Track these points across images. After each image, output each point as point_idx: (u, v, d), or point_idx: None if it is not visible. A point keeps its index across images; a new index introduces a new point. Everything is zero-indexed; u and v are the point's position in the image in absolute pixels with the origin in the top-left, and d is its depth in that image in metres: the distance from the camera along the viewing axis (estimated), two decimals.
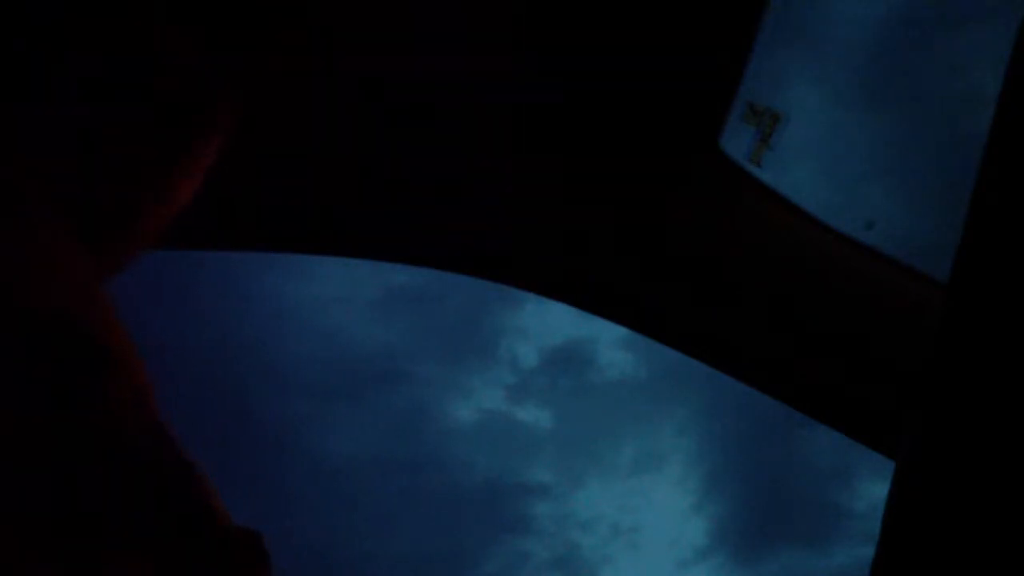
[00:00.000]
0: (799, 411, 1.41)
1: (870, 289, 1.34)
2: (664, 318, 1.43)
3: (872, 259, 1.34)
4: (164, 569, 0.44)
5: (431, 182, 1.34)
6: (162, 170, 0.72)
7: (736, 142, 1.28)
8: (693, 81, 1.22)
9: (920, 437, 0.65)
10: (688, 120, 1.26)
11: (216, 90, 0.74)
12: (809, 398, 1.41)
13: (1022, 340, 0.61)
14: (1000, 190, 0.64)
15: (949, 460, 0.63)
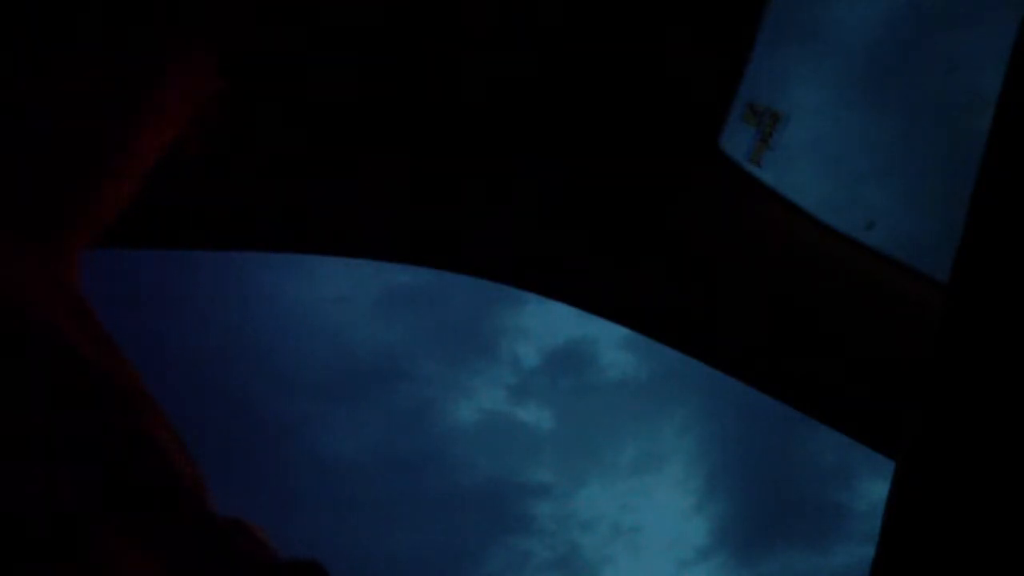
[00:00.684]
0: (799, 411, 1.41)
1: (870, 289, 1.34)
2: (664, 318, 1.43)
3: (872, 259, 1.34)
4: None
5: (431, 182, 1.34)
6: (126, 127, 0.61)
7: (736, 142, 1.28)
8: (693, 81, 1.22)
9: (920, 437, 0.65)
10: (688, 120, 1.26)
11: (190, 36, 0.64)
12: (809, 398, 1.41)
13: (1022, 340, 0.61)
14: (1000, 190, 0.64)
15: (949, 460, 0.63)
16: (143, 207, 0.67)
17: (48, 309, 0.49)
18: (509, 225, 1.38)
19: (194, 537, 0.46)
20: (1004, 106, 0.64)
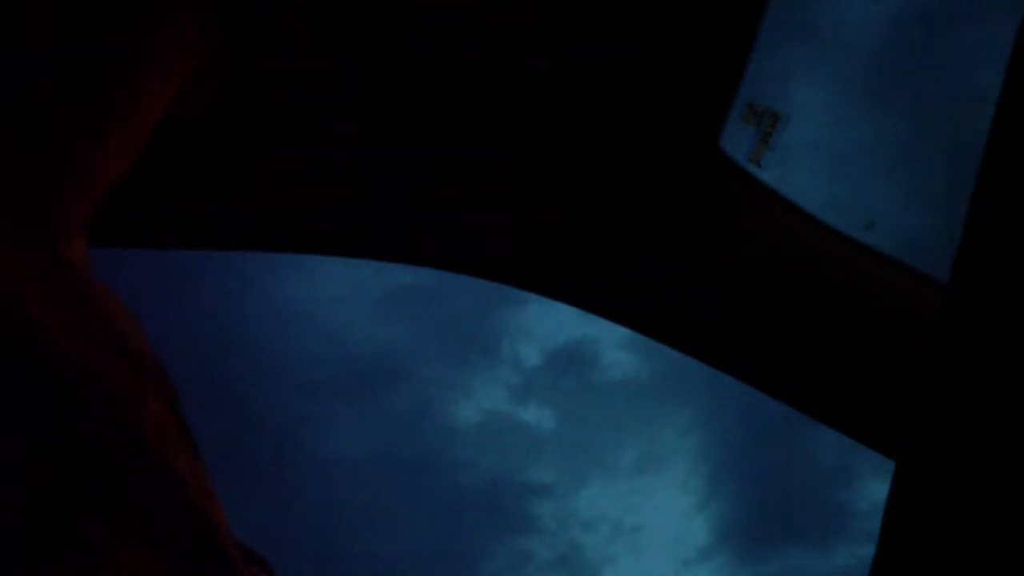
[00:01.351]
0: (799, 411, 1.42)
1: (870, 289, 1.34)
2: (664, 318, 1.43)
3: (872, 259, 1.34)
4: None
5: (431, 182, 1.34)
6: (127, 86, 0.55)
7: (736, 142, 1.28)
8: (693, 81, 1.22)
9: (920, 437, 0.65)
10: (688, 120, 1.26)
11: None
12: (809, 398, 1.41)
13: (1022, 340, 0.61)
14: (1000, 190, 0.64)
15: (949, 460, 0.64)
16: (144, 208, 0.67)
17: (36, 303, 0.46)
18: (509, 225, 1.38)
19: (192, 537, 0.46)
20: (1004, 106, 0.64)
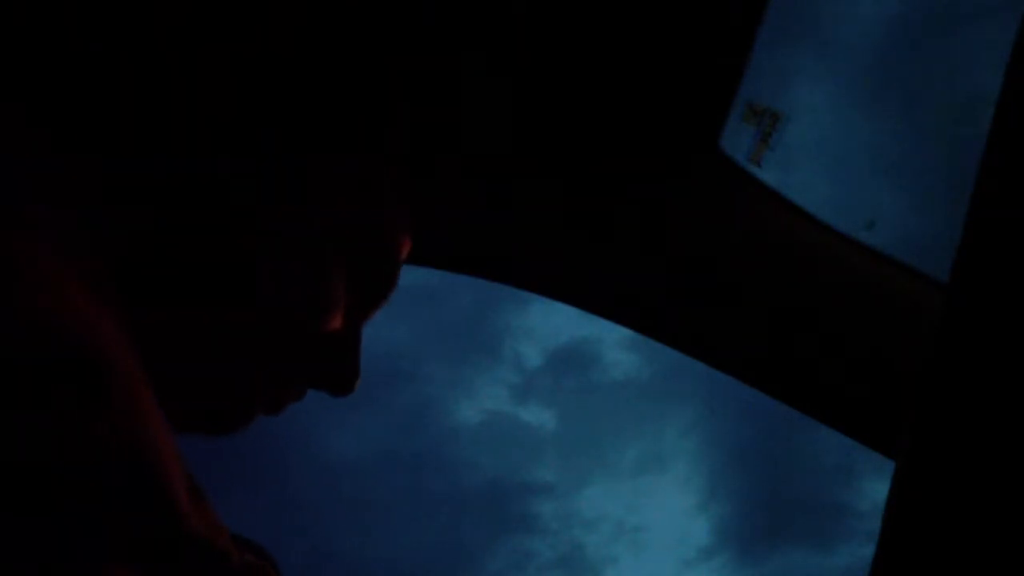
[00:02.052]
0: (799, 411, 1.41)
1: (870, 289, 1.34)
2: (664, 318, 1.43)
3: (872, 259, 1.34)
4: None
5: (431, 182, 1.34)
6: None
7: (736, 142, 1.28)
8: (693, 81, 1.22)
9: (920, 437, 0.65)
10: (688, 120, 1.26)
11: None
12: (809, 398, 1.41)
13: (1022, 340, 0.61)
14: (1000, 190, 0.64)
15: (949, 460, 0.63)
16: None
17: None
18: (509, 225, 1.38)
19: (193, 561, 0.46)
20: (1004, 106, 0.64)
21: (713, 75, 1.21)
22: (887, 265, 1.34)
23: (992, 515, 0.61)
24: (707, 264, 1.36)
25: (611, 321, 1.47)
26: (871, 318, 1.34)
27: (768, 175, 1.31)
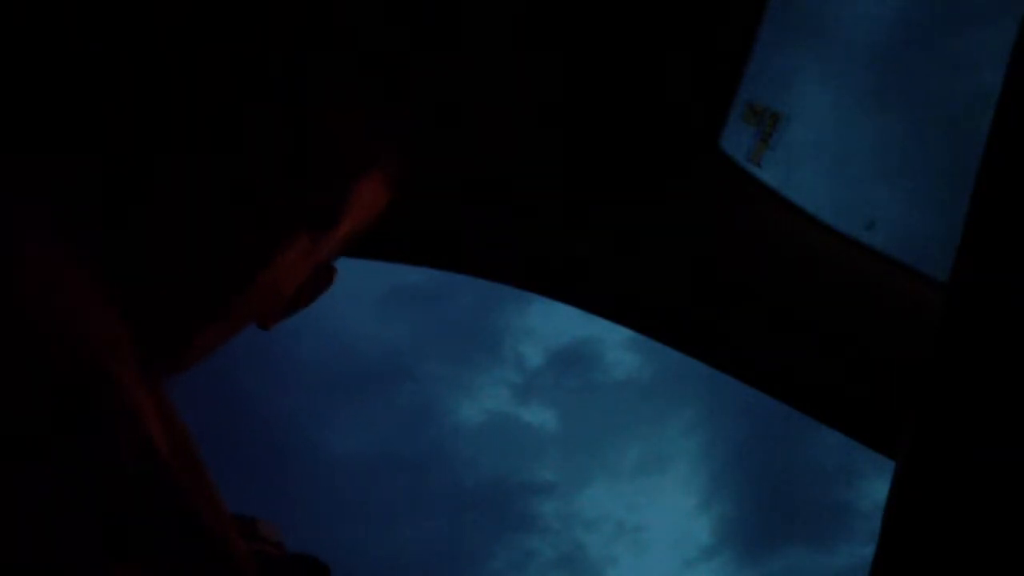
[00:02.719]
0: (799, 411, 1.41)
1: (870, 289, 1.34)
2: (664, 318, 1.43)
3: (872, 259, 1.34)
4: None
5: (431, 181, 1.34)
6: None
7: (736, 142, 1.28)
8: (693, 81, 1.22)
9: (920, 437, 0.65)
10: (688, 120, 1.26)
11: None
12: (809, 398, 1.41)
13: (1022, 340, 0.61)
14: (1000, 190, 0.64)
15: (949, 460, 0.63)
16: None
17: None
18: (510, 225, 1.38)
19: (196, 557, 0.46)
20: (1004, 106, 0.64)
21: (713, 75, 1.21)
22: (887, 265, 1.34)
23: (992, 515, 0.61)
24: (707, 264, 1.36)
25: (610, 321, 1.47)
26: (871, 318, 1.34)
27: (768, 175, 1.31)
